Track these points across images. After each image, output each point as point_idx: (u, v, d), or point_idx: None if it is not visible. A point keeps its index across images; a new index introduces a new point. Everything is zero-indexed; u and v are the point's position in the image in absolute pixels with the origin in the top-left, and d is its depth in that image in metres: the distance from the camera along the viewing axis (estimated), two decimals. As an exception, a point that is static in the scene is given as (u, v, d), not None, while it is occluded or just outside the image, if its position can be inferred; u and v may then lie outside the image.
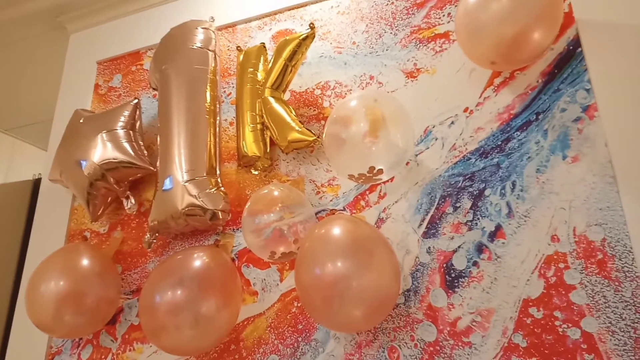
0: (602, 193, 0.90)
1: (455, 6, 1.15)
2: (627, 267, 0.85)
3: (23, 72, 2.03)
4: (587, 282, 0.86)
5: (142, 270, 1.24)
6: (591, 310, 0.85)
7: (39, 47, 1.85)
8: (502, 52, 0.93)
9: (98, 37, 1.63)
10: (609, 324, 0.83)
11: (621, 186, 0.89)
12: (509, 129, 1.01)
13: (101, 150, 1.22)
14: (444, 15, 1.16)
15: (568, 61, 1.01)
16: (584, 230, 0.89)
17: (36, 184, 1.57)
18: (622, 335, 0.82)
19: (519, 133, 1.00)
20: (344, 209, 1.10)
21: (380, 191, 1.08)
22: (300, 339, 1.03)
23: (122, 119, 1.28)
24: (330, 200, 1.12)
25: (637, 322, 0.82)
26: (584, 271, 0.87)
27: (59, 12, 1.67)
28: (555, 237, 0.91)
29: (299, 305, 1.05)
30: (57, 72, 1.63)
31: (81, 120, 1.34)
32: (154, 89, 1.34)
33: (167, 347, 0.99)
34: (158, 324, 0.97)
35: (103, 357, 1.19)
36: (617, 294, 0.84)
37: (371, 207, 1.07)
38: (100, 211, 1.27)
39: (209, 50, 1.26)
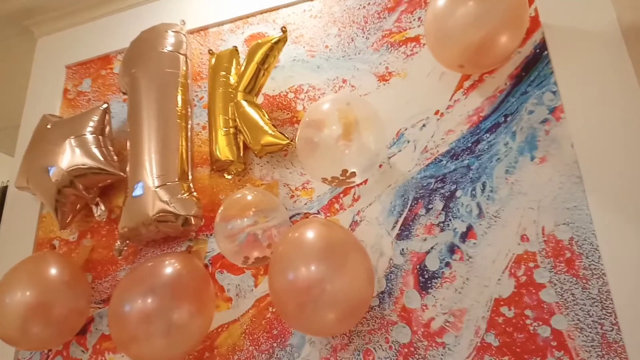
0: (569, 193, 0.92)
1: (425, 10, 1.16)
2: (593, 264, 0.87)
3: (-11, 77, 1.97)
4: (557, 280, 0.88)
5: (113, 279, 1.22)
6: (560, 308, 0.86)
7: (5, 51, 1.80)
8: (470, 56, 0.95)
9: (67, 40, 1.59)
10: (577, 321, 0.85)
11: (587, 186, 0.91)
12: (478, 131, 1.03)
13: (69, 156, 1.19)
14: (414, 20, 1.17)
15: (535, 64, 1.03)
16: (553, 230, 0.91)
17: (4, 191, 1.53)
18: (590, 332, 0.84)
19: (488, 135, 1.02)
20: (319, 212, 1.09)
21: (354, 194, 1.08)
22: (275, 345, 1.02)
23: (91, 124, 1.26)
24: (305, 204, 1.11)
25: (603, 319, 0.84)
26: (553, 270, 0.89)
27: (25, 16, 1.62)
28: (525, 236, 0.92)
29: (273, 310, 1.04)
30: (25, 76, 1.59)
31: (49, 126, 1.30)
32: (123, 93, 1.31)
33: (139, 357, 0.97)
34: (129, 333, 0.95)
35: (73, 369, 1.16)
36: (584, 292, 0.86)
37: (345, 210, 1.07)
38: (69, 219, 1.23)
39: (180, 53, 1.25)
